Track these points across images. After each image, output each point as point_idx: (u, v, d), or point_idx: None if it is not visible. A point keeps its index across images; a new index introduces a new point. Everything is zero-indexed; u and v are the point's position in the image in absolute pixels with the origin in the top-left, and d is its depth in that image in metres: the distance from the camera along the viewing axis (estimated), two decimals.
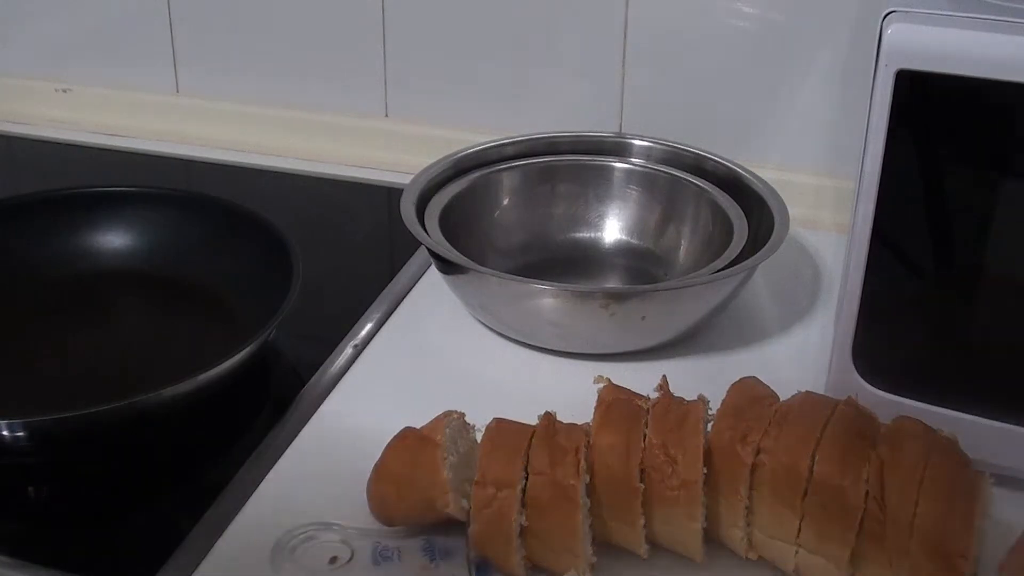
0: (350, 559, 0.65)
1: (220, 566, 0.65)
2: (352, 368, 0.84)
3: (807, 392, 0.67)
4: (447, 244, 0.86)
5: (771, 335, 0.88)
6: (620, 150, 1.00)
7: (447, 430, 0.66)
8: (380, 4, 1.10)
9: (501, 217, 0.98)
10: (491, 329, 0.87)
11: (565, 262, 0.96)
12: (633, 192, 0.98)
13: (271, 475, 0.72)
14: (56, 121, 1.24)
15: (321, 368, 0.83)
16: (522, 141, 1.00)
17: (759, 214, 0.90)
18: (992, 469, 0.64)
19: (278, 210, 0.91)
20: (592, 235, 0.98)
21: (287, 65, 1.17)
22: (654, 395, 0.67)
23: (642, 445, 0.64)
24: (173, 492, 0.73)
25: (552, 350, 0.85)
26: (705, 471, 0.63)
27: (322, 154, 1.16)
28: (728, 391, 0.67)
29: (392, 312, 0.91)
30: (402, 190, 0.91)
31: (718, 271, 0.83)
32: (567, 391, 0.71)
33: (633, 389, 0.68)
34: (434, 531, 0.66)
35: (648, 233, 0.97)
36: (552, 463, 0.63)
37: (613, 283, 0.96)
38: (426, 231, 0.87)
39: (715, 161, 0.96)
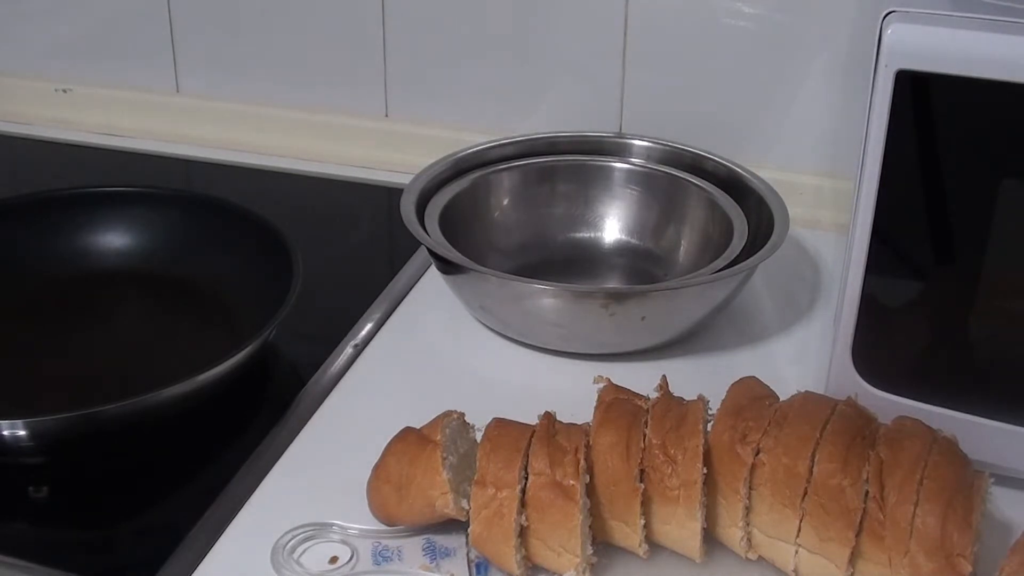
0: (350, 559, 0.65)
1: (220, 566, 0.65)
2: (352, 368, 0.84)
3: (807, 392, 0.67)
4: (447, 244, 0.86)
5: (771, 335, 0.88)
6: (620, 150, 1.00)
7: (447, 430, 0.66)
8: (380, 4, 1.10)
9: (501, 217, 0.98)
10: (491, 329, 0.87)
11: (565, 262, 0.96)
12: (633, 192, 0.98)
13: (271, 475, 0.72)
14: (56, 121, 1.24)
15: (321, 368, 0.83)
16: (522, 141, 1.00)
17: (759, 214, 0.90)
18: (992, 469, 0.64)
19: (278, 210, 0.91)
20: (592, 235, 0.98)
21: (287, 65, 1.17)
22: (654, 395, 0.67)
23: (642, 445, 0.64)
24: (173, 492, 0.73)
25: (552, 350, 0.85)
26: (705, 471, 0.63)
27: (322, 154, 1.16)
28: (728, 391, 0.67)
29: (392, 312, 0.91)
30: (402, 190, 0.91)
31: (718, 271, 0.83)
32: (567, 391, 0.71)
33: (633, 389, 0.68)
34: (434, 531, 0.66)
35: (648, 233, 0.97)
36: (552, 463, 0.63)
37: (613, 283, 0.96)
38: (426, 231, 0.87)
39: (715, 161, 0.96)
